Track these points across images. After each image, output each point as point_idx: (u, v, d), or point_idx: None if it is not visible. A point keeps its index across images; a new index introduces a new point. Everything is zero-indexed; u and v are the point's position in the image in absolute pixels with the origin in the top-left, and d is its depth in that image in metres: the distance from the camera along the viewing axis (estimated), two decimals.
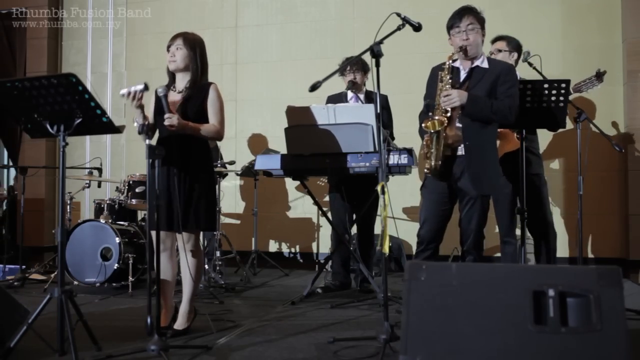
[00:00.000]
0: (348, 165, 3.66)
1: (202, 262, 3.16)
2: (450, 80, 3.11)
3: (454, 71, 3.20)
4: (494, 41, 3.87)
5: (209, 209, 3.05)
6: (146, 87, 2.87)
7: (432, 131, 3.06)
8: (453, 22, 3.18)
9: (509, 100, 3.10)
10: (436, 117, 3.05)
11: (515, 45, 3.84)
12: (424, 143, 3.13)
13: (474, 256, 3.24)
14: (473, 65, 3.18)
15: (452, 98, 3.06)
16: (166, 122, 2.86)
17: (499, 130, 3.25)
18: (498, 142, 3.35)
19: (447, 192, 3.22)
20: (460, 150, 3.14)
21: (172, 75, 3.12)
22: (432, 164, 3.09)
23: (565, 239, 5.12)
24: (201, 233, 4.84)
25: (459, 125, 3.13)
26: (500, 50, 3.80)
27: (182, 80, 3.07)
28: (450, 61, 3.13)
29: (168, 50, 3.06)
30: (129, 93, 2.87)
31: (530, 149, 3.71)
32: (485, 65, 3.18)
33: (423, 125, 3.06)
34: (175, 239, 3.10)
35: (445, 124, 3.06)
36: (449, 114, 3.09)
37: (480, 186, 3.13)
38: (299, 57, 5.96)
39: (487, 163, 3.15)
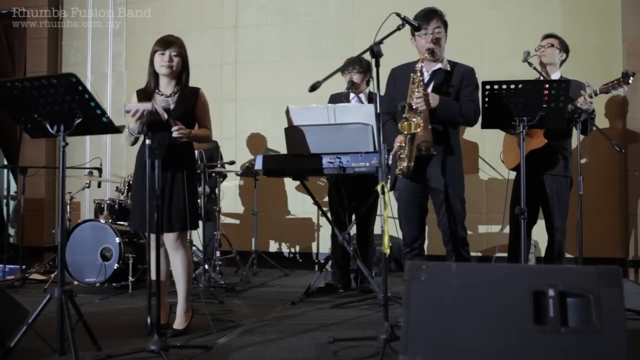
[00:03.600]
0: (348, 165, 3.67)
1: (191, 260, 3.18)
2: (422, 83, 3.14)
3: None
4: (546, 37, 3.84)
5: (192, 208, 3.06)
6: (152, 109, 2.88)
7: (407, 132, 3.06)
8: (420, 25, 3.20)
9: (472, 105, 3.20)
10: (413, 119, 3.06)
11: (565, 47, 3.82)
12: (398, 144, 3.14)
13: (462, 252, 3.25)
14: (436, 68, 3.22)
15: (427, 100, 3.09)
16: (175, 135, 2.90)
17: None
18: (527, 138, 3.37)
19: (420, 191, 3.26)
20: (431, 151, 3.17)
21: (155, 78, 3.09)
22: (405, 165, 3.10)
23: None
24: (201, 233, 4.89)
25: (428, 126, 3.17)
26: (552, 45, 3.78)
27: (169, 85, 3.09)
28: (422, 64, 3.15)
29: (162, 54, 3.02)
30: (137, 111, 2.81)
31: (559, 149, 3.68)
32: (448, 67, 3.24)
33: (399, 126, 3.07)
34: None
35: (422, 126, 3.08)
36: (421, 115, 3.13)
37: (451, 184, 3.20)
38: (299, 57, 5.96)
39: (456, 163, 3.26)
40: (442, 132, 3.20)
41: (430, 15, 3.19)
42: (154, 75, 3.09)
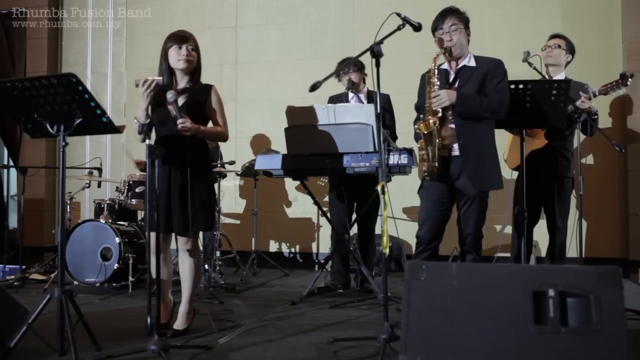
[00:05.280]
0: (348, 165, 3.66)
1: (201, 262, 3.17)
2: (437, 82, 3.13)
3: (442, 73, 3.20)
4: (553, 37, 3.84)
5: (208, 210, 3.04)
6: (162, 83, 2.91)
7: (425, 132, 3.06)
8: (437, 24, 3.20)
9: (498, 96, 3.11)
10: (427, 119, 3.06)
11: (571, 48, 3.82)
12: (419, 146, 3.14)
13: (473, 255, 3.24)
14: (460, 65, 3.20)
15: (442, 98, 3.08)
16: (180, 127, 2.86)
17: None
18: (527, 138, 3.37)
19: (446, 192, 3.23)
20: (456, 150, 3.15)
21: (170, 74, 3.06)
22: (430, 165, 3.09)
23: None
24: (201, 233, 4.88)
25: (452, 125, 3.14)
26: (559, 46, 3.78)
27: (182, 81, 3.06)
28: (435, 64, 3.14)
29: (179, 47, 2.99)
30: (146, 81, 2.86)
31: (561, 150, 3.68)
32: (473, 63, 3.20)
33: (415, 127, 3.07)
34: (171, 240, 3.11)
35: (437, 125, 3.06)
36: (439, 115, 3.10)
37: (479, 183, 3.14)
38: (299, 57, 5.96)
39: (484, 159, 3.17)
40: (467, 128, 3.12)
41: (445, 15, 3.18)
42: (168, 71, 3.05)
